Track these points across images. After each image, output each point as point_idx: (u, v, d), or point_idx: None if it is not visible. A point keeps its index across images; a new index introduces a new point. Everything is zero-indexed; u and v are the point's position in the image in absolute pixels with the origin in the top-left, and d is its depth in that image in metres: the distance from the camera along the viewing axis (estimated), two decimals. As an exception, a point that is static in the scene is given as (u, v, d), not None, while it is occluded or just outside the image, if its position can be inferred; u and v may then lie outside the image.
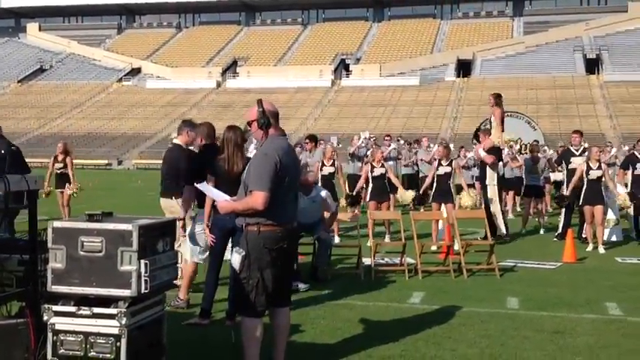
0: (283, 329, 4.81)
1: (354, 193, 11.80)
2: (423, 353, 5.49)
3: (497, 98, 12.65)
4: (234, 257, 4.60)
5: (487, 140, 12.30)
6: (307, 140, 13.58)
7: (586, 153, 12.48)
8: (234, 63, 72.89)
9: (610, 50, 63.25)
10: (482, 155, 12.33)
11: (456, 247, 9.68)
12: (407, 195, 12.05)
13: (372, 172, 12.01)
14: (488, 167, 12.27)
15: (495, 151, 12.35)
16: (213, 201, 5.61)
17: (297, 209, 4.80)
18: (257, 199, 4.44)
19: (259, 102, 4.69)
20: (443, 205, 11.16)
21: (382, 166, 12.18)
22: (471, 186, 13.86)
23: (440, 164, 11.55)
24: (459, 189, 12.08)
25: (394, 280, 8.58)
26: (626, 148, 17.72)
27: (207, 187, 5.13)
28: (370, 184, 12.04)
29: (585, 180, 11.55)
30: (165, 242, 4.31)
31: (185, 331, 5.97)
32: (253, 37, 77.42)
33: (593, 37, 66.60)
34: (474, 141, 15.64)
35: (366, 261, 9.01)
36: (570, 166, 12.62)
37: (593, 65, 62.94)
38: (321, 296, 7.57)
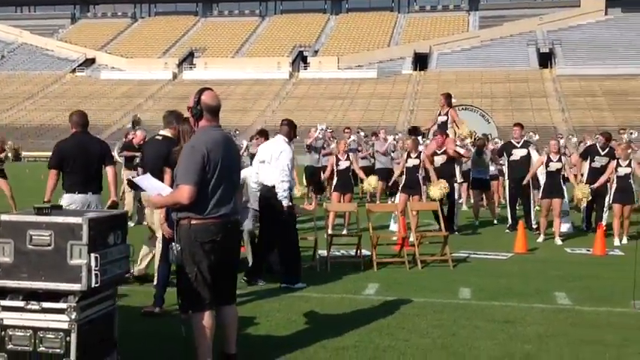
0: (231, 327, 4.76)
1: (322, 180, 11.90)
2: (377, 344, 5.54)
3: (448, 98, 12.90)
4: (171, 253, 4.56)
5: (448, 139, 12.38)
6: (258, 135, 13.56)
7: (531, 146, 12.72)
8: (191, 54, 72.17)
9: (563, 44, 64.49)
10: (460, 151, 12.50)
11: (411, 238, 9.79)
12: (372, 179, 12.17)
13: (337, 164, 12.07)
14: (456, 163, 12.46)
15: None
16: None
17: (234, 202, 4.69)
18: (182, 192, 4.40)
19: (199, 91, 4.64)
20: (411, 197, 11.34)
21: (347, 158, 12.28)
22: None
23: (409, 156, 11.69)
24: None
25: (350, 271, 8.63)
26: (575, 139, 18.10)
27: (144, 181, 4.93)
28: (335, 177, 12.14)
29: (545, 172, 11.76)
30: (117, 235, 4.26)
31: (139, 324, 5.92)
32: (210, 29, 76.75)
33: (547, 31, 67.82)
34: (423, 138, 15.87)
35: (322, 253, 9.05)
36: (512, 158, 12.90)
37: (546, 59, 64.10)
38: (277, 289, 7.58)
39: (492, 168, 15.24)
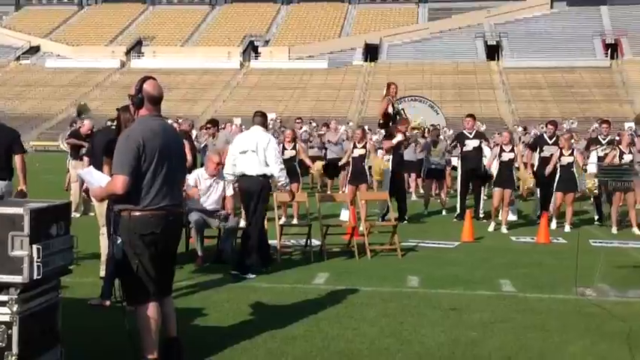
0: (171, 315, 4.72)
1: None
2: (326, 333, 5.57)
3: (389, 89, 13.10)
4: (112, 245, 4.54)
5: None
6: (209, 125, 13.43)
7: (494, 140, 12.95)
8: (139, 42, 70.88)
9: (509, 37, 65.57)
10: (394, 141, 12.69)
11: (361, 228, 9.85)
12: (318, 164, 12.20)
13: (282, 154, 12.06)
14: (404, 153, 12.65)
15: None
16: None
17: (176, 193, 4.65)
18: (116, 182, 4.34)
19: (141, 80, 4.60)
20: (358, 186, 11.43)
21: (293, 147, 12.27)
22: None
23: (355, 147, 11.75)
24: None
25: (299, 261, 8.65)
26: (535, 130, 18.48)
27: (87, 175, 4.83)
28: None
29: (497, 162, 11.96)
30: (60, 226, 4.16)
31: (84, 317, 5.83)
32: (159, 17, 75.51)
33: (494, 24, 68.81)
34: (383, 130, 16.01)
35: (273, 243, 9.04)
36: (465, 149, 13.11)
37: (493, 52, 65.11)
38: (226, 279, 7.54)
39: (440, 158, 15.42)
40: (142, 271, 4.43)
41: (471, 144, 13.08)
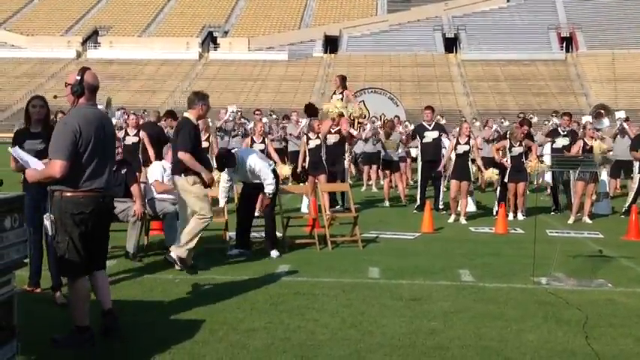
0: (104, 288, 5.12)
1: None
2: (287, 324, 5.56)
3: (343, 80, 13.39)
4: (45, 223, 4.85)
5: (342, 119, 12.52)
6: (166, 117, 13.33)
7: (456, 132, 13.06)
8: (96, 32, 69.64)
9: (467, 30, 66.24)
10: (353, 132, 12.71)
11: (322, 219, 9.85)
12: (285, 169, 12.16)
13: (251, 146, 11.98)
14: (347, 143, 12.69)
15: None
16: None
17: (108, 177, 4.95)
18: (54, 167, 4.64)
19: (82, 70, 4.92)
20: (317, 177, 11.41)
21: (262, 141, 12.21)
22: None
23: (309, 138, 11.74)
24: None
25: (260, 253, 8.60)
26: (507, 123, 18.71)
27: (20, 153, 5.16)
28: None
29: (454, 155, 12.07)
30: (14, 219, 4.05)
31: (41, 310, 5.71)
32: (116, 6, 74.22)
33: (452, 17, 69.44)
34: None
35: (233, 235, 8.99)
36: (424, 140, 13.22)
37: (451, 44, 65.71)
38: (184, 272, 7.47)
39: (400, 150, 15.53)
40: (72, 247, 4.76)
41: (430, 135, 13.20)
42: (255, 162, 8.50)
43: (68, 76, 4.94)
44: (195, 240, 7.18)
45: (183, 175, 7.19)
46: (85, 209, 4.77)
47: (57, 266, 5.00)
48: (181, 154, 7.14)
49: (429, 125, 13.38)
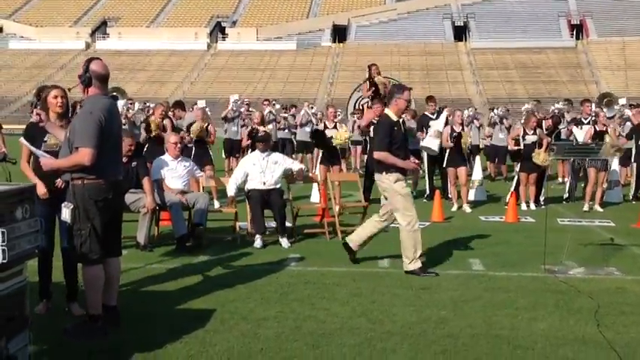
0: (114, 278, 5.16)
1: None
2: (298, 313, 5.57)
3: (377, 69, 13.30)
4: (64, 212, 4.85)
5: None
6: (174, 108, 13.33)
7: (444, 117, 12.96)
8: (104, 23, 69.73)
9: (476, 18, 65.86)
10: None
11: (332, 209, 9.85)
12: (341, 134, 12.18)
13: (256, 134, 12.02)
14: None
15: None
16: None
17: (120, 165, 5.18)
18: (84, 155, 4.73)
19: (87, 60, 5.00)
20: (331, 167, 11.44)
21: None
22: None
23: (326, 127, 11.78)
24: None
25: (271, 243, 8.62)
26: (499, 110, 18.55)
27: (29, 145, 5.31)
28: (250, 148, 12.09)
29: (450, 142, 12.03)
30: (25, 209, 4.06)
31: (52, 300, 5.73)
32: (124, -3, 74.27)
33: (461, 4, 69.03)
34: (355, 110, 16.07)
35: (243, 225, 9.00)
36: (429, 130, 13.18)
37: (460, 33, 65.37)
38: (197, 262, 7.50)
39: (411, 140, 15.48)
40: (94, 234, 4.83)
41: (434, 125, 13.14)
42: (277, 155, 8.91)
43: (80, 69, 5.03)
44: (419, 247, 7.02)
45: (384, 173, 7.09)
46: (107, 195, 4.88)
47: (74, 253, 4.95)
48: (377, 154, 7.08)
49: (433, 115, 13.39)
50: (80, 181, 4.81)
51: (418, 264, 6.98)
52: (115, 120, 5.03)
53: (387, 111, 7.32)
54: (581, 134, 12.87)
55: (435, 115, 13.38)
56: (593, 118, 13.04)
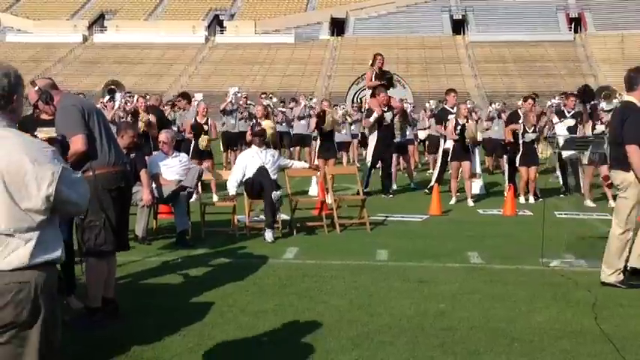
0: (112, 270, 5.18)
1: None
2: (296, 306, 5.58)
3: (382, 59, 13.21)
4: None
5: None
6: (180, 98, 13.28)
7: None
8: (102, 16, 69.47)
9: (475, 11, 65.72)
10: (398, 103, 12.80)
11: (329, 202, 9.85)
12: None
13: (258, 126, 12.02)
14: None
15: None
16: None
17: (123, 153, 5.23)
18: (77, 142, 4.71)
19: (32, 83, 4.95)
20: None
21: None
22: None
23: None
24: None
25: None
26: (497, 105, 18.53)
27: None
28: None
29: (455, 136, 12.01)
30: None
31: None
32: (121, -10, 74.02)
33: (460, -2, 68.90)
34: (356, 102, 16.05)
35: (241, 218, 9.00)
36: (447, 124, 13.10)
37: (459, 26, 65.25)
38: (196, 255, 7.51)
39: (408, 132, 15.46)
40: (108, 225, 4.82)
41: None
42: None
43: (30, 97, 4.88)
44: (625, 253, 6.20)
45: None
46: (120, 183, 4.92)
47: (84, 246, 4.91)
48: (630, 148, 5.85)
49: (452, 108, 13.09)
50: (90, 172, 4.77)
51: (619, 277, 6.23)
52: (92, 108, 5.02)
53: (629, 97, 6.11)
54: (563, 127, 12.89)
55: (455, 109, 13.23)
56: (577, 111, 12.99)
